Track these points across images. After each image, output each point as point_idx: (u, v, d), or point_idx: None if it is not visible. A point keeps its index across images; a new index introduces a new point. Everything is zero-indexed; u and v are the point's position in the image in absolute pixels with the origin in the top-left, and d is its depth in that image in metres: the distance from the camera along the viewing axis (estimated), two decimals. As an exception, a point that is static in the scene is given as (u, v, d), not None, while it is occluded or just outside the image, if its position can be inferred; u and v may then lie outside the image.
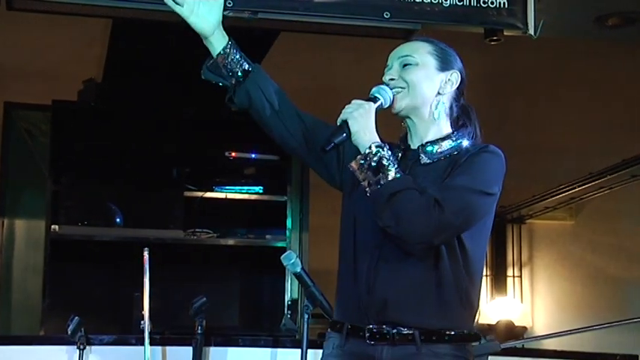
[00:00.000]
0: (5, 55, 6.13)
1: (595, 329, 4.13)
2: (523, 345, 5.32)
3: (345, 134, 2.48)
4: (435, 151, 2.58)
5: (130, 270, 4.28)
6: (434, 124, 2.62)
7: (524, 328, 7.52)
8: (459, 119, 2.67)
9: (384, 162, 2.41)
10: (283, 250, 5.02)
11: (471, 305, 2.52)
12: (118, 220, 5.76)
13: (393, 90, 2.58)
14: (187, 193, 5.86)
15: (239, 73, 2.77)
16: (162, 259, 4.27)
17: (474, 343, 2.54)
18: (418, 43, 2.67)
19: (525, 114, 7.63)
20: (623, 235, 7.71)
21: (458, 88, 2.66)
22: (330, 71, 6.20)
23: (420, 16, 3.86)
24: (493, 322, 7.46)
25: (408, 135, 2.67)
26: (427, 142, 2.60)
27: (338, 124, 2.50)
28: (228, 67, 2.77)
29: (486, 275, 7.68)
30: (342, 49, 5.79)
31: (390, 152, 2.44)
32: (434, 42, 2.68)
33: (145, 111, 5.88)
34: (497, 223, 7.50)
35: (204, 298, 4.05)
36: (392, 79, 2.60)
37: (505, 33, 3.98)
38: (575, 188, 6.81)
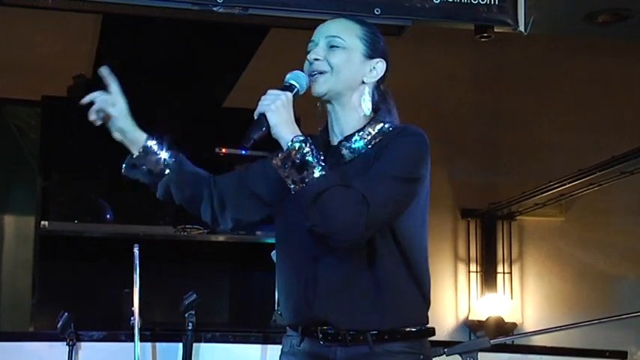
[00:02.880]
0: (-5, 50, 6.12)
1: (584, 325, 4.13)
2: (513, 341, 5.33)
3: (264, 128, 2.34)
4: (355, 147, 2.46)
5: (120, 266, 4.27)
6: (355, 113, 2.50)
7: (514, 325, 7.53)
8: (378, 104, 2.55)
9: (308, 158, 2.29)
10: (273, 246, 5.00)
11: (419, 299, 2.46)
12: (107, 216, 5.75)
13: (315, 73, 2.47)
14: (177, 189, 5.84)
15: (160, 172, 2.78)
16: (152, 256, 4.26)
17: (430, 338, 2.50)
18: (349, 23, 2.54)
19: (515, 111, 7.65)
20: (613, 232, 7.73)
21: (382, 76, 2.54)
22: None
23: (411, 12, 3.86)
24: (483, 318, 7.46)
25: (329, 124, 2.55)
26: (347, 137, 2.48)
27: (255, 117, 2.37)
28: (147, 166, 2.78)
29: (476, 272, 7.70)
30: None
31: (313, 147, 2.31)
32: (365, 24, 2.57)
33: (134, 107, 5.86)
34: (487, 219, 7.60)
35: (195, 295, 4.04)
36: (317, 59, 2.47)
37: (495, 30, 3.98)
38: (565, 185, 6.81)
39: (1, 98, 6.07)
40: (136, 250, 3.94)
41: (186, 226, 5.76)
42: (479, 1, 3.92)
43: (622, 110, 7.51)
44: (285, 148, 2.32)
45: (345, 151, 2.48)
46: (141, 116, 5.86)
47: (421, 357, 2.45)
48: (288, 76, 2.47)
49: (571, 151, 7.39)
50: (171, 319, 4.85)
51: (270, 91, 2.40)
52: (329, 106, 2.52)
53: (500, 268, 7.75)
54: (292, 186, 2.31)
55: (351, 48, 2.49)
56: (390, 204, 2.33)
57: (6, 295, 5.99)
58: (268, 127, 2.34)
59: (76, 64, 5.82)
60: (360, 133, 2.48)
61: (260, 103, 2.38)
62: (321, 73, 2.47)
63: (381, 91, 2.56)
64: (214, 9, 3.68)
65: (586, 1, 4.25)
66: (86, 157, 5.78)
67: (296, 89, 2.44)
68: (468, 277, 7.69)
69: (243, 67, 5.39)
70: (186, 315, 4.03)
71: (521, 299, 7.76)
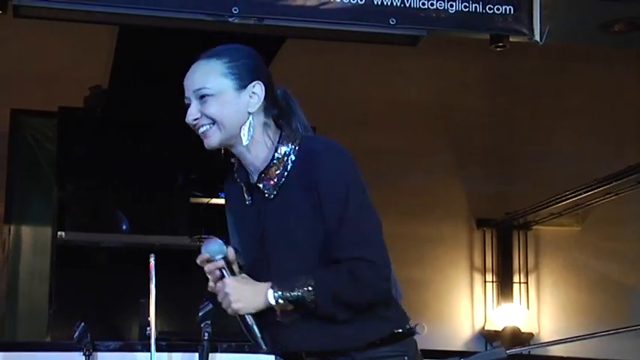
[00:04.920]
0: (11, 62, 6.15)
1: (601, 336, 4.12)
2: (529, 351, 5.32)
3: (250, 319, 2.35)
4: (271, 184, 2.38)
5: (136, 276, 4.28)
6: (258, 144, 2.40)
7: (531, 335, 7.50)
8: (279, 118, 2.45)
9: (296, 293, 2.27)
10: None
11: (382, 308, 2.40)
12: (124, 226, 5.77)
13: (201, 130, 2.40)
14: (193, 200, 5.86)
15: None
16: (168, 266, 4.27)
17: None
18: (208, 65, 2.43)
19: (530, 119, 7.63)
20: (629, 242, 7.70)
21: (266, 95, 2.40)
22: (335, 77, 6.20)
23: (426, 22, 3.86)
24: (499, 328, 7.44)
25: (242, 163, 2.46)
26: (262, 172, 2.39)
27: (239, 320, 2.38)
28: None
29: (492, 282, 7.67)
30: (347, 55, 5.80)
31: (287, 283, 2.28)
32: (222, 56, 2.43)
33: (150, 117, 5.90)
34: (502, 229, 7.58)
35: (211, 305, 4.05)
36: (196, 120, 2.40)
37: (511, 39, 3.98)
38: (580, 194, 6.80)
39: (18, 109, 6.09)
40: (152, 260, 3.95)
41: (202, 236, 5.77)
42: (494, 11, 3.92)
43: (637, 119, 7.48)
44: (275, 307, 2.30)
45: (265, 190, 2.40)
46: (157, 126, 5.89)
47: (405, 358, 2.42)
48: (207, 253, 2.40)
49: (586, 161, 7.37)
50: (188, 328, 4.86)
51: (219, 287, 2.36)
52: (232, 150, 2.44)
53: (516, 278, 7.73)
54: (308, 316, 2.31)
55: (221, 91, 2.38)
56: (378, 238, 2.34)
57: (23, 305, 6.00)
58: (253, 315, 2.34)
59: (92, 75, 5.85)
60: (274, 164, 2.39)
61: (225, 306, 2.34)
62: (205, 129, 2.40)
63: (274, 102, 2.45)
64: (230, 20, 3.70)
65: (601, 10, 4.24)
66: (102, 168, 5.80)
67: (222, 256, 2.39)
68: (484, 287, 7.66)
69: (258, 77, 5.39)
70: (202, 325, 4.03)
71: (538, 309, 7.73)
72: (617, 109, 7.55)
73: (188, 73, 2.47)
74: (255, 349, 4.32)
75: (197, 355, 4.06)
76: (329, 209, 2.32)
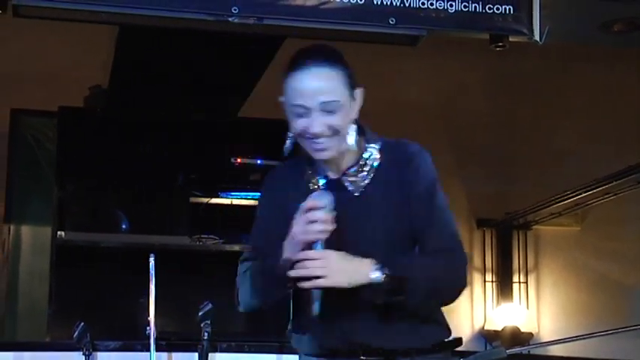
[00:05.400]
0: (11, 61, 6.15)
1: (601, 335, 4.11)
2: (529, 351, 5.31)
3: (315, 297, 2.25)
4: (356, 182, 2.39)
5: (136, 276, 4.29)
6: (349, 149, 2.41)
7: (530, 335, 7.50)
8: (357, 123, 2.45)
9: (398, 273, 2.24)
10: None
11: (439, 313, 2.48)
12: (123, 226, 5.77)
13: (322, 140, 2.32)
14: (193, 199, 5.86)
15: None
16: (167, 265, 4.27)
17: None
18: (332, 75, 2.34)
19: (530, 119, 7.63)
20: (629, 242, 7.70)
21: None
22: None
23: (426, 22, 3.86)
24: (499, 328, 7.44)
25: (315, 160, 2.42)
26: (347, 169, 2.40)
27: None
28: None
29: (492, 281, 7.68)
30: (347, 55, 5.79)
31: (390, 263, 2.24)
32: (341, 64, 2.38)
33: (150, 117, 5.90)
34: (502, 229, 7.57)
35: (210, 304, 4.05)
36: (316, 133, 2.32)
37: (511, 39, 3.97)
38: (580, 194, 6.79)
39: (18, 109, 6.09)
40: (151, 260, 3.96)
41: (202, 236, 5.77)
42: (494, 11, 3.91)
43: (638, 119, 7.48)
44: (374, 283, 2.24)
45: (349, 185, 2.40)
46: (157, 126, 5.90)
47: None
48: (325, 202, 2.26)
49: (586, 161, 7.36)
50: (187, 328, 4.86)
51: (307, 256, 2.23)
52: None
53: (516, 278, 7.73)
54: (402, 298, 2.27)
55: (345, 102, 2.34)
56: (460, 237, 2.42)
57: (22, 305, 6.00)
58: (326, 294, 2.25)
59: (92, 74, 5.85)
60: (361, 163, 2.41)
61: (313, 274, 2.22)
62: (326, 140, 2.34)
63: None
64: (229, 19, 3.70)
65: (601, 10, 4.25)
66: (102, 168, 5.80)
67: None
68: (484, 287, 7.67)
69: (257, 77, 5.40)
70: (201, 325, 4.03)
71: (537, 309, 7.73)
72: (618, 109, 7.55)
73: (308, 81, 2.33)
74: (254, 349, 4.32)
75: (197, 354, 4.06)
76: (422, 207, 2.37)
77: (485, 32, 3.97)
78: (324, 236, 2.25)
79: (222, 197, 5.92)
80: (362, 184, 2.40)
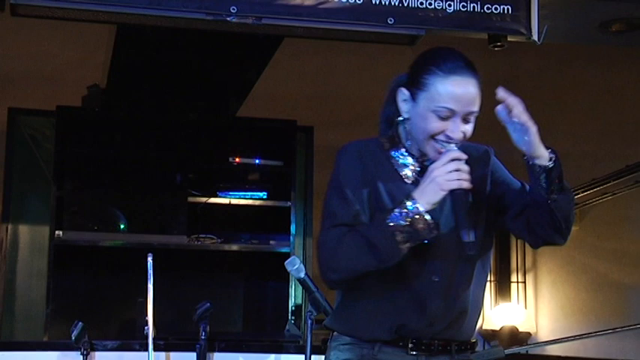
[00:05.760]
0: (9, 61, 6.14)
1: (599, 335, 4.12)
2: (527, 351, 5.32)
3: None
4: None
5: (134, 275, 4.28)
6: None
7: (528, 334, 7.51)
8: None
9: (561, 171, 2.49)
10: (287, 255, 5.01)
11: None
12: (121, 225, 5.76)
13: (455, 147, 2.49)
14: (191, 199, 5.85)
15: None
16: (165, 265, 4.27)
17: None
18: (479, 84, 2.53)
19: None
20: (627, 241, 7.71)
21: None
22: (333, 77, 6.20)
23: (424, 21, 3.86)
24: (497, 327, 7.45)
25: (408, 148, 2.56)
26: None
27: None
28: None
29: (490, 281, 7.68)
30: (345, 55, 5.80)
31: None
32: (476, 70, 2.54)
33: (149, 116, 5.90)
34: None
35: (208, 304, 4.05)
36: (457, 139, 2.48)
37: (509, 39, 3.98)
38: (579, 194, 6.80)
39: (16, 108, 6.08)
40: (149, 260, 3.96)
41: (200, 235, 5.77)
42: (492, 11, 3.92)
43: (636, 119, 7.48)
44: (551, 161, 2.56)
45: None
46: (155, 125, 5.90)
47: None
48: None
49: (585, 160, 7.37)
50: (185, 328, 4.86)
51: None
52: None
53: (514, 278, 7.75)
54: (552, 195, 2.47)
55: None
56: None
57: (20, 304, 5.99)
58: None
59: (90, 74, 5.84)
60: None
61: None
62: (457, 147, 2.47)
63: None
64: (228, 19, 3.69)
65: (600, 10, 4.24)
66: (100, 167, 5.81)
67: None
68: (482, 287, 7.67)
69: (256, 76, 5.40)
70: (199, 324, 4.03)
71: (536, 309, 7.74)
72: (617, 109, 7.54)
73: (466, 88, 2.50)
74: (252, 348, 4.32)
75: (195, 354, 4.06)
76: (509, 178, 2.71)
77: (484, 32, 3.97)
78: (466, 186, 2.39)
79: (220, 197, 5.91)
80: None
